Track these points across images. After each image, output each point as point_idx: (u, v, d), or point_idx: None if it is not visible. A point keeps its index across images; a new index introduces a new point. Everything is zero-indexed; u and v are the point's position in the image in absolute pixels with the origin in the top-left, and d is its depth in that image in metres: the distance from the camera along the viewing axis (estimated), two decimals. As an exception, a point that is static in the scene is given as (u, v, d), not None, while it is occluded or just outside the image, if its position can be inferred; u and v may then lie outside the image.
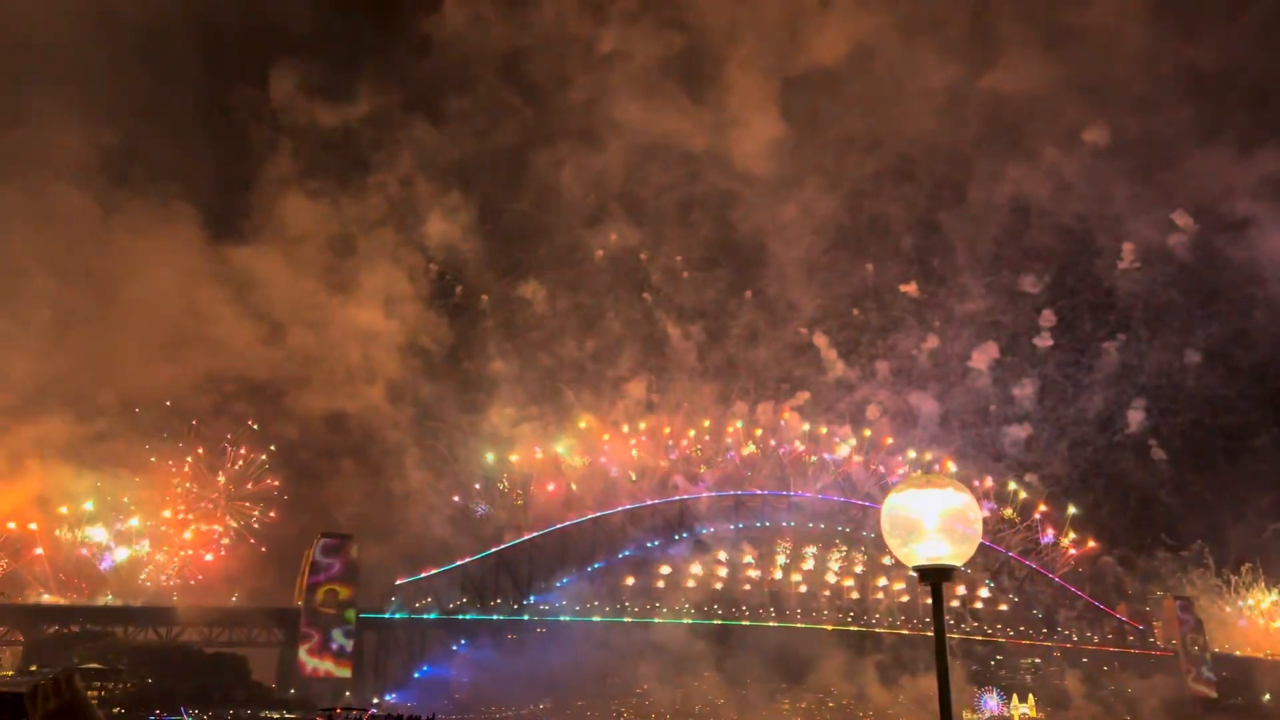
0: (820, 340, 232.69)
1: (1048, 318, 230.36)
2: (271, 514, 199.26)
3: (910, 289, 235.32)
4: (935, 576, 9.29)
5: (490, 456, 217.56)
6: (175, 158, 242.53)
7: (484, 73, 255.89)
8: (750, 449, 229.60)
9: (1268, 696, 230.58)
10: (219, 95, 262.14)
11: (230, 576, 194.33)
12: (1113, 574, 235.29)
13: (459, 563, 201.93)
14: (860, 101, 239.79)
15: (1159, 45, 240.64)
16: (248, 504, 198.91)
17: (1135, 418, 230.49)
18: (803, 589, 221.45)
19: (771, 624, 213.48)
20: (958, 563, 9.28)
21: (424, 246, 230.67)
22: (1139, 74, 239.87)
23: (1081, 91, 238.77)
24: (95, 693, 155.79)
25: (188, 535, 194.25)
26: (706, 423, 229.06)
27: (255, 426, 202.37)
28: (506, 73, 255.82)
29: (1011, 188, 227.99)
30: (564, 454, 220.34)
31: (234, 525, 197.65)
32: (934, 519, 9.41)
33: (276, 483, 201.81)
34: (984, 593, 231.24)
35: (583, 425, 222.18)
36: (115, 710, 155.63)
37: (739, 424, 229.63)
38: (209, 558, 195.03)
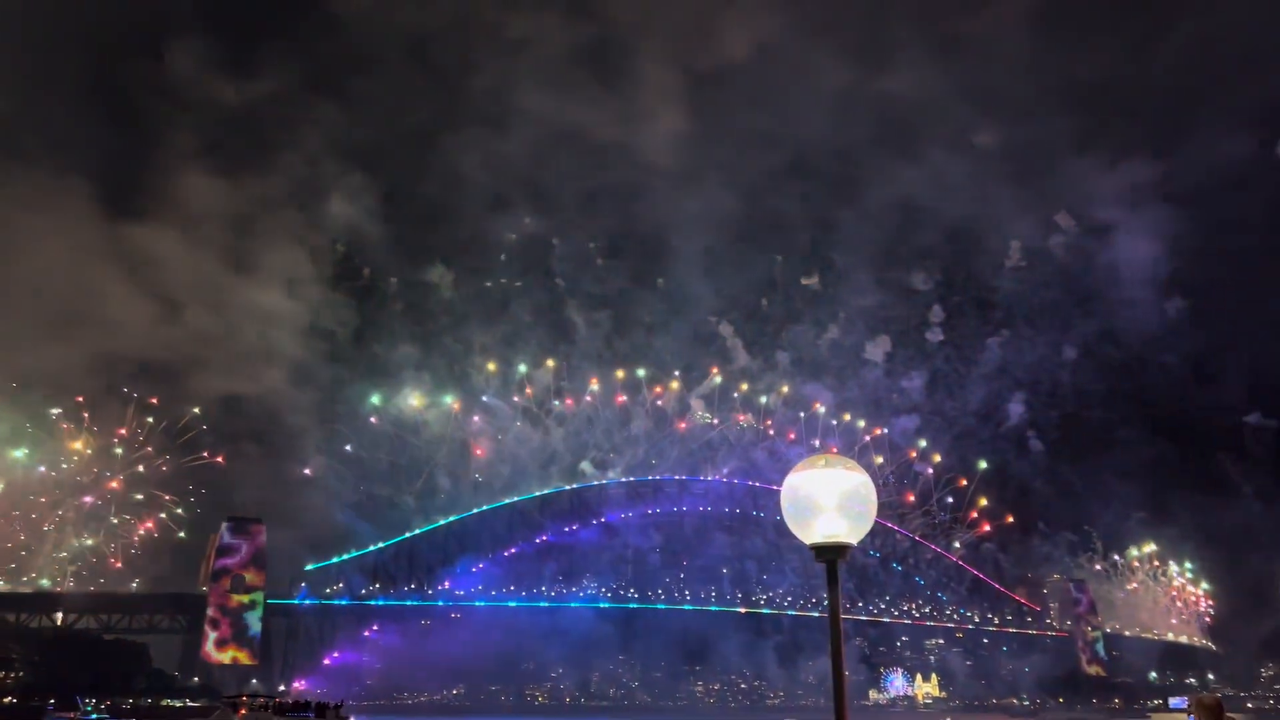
0: (726, 329, 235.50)
1: (937, 313, 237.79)
2: (198, 510, 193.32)
3: (812, 281, 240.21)
4: (831, 554, 9.59)
5: (375, 399, 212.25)
6: (67, 130, 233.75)
7: (391, 55, 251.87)
8: (659, 428, 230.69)
9: (1154, 674, 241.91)
10: (114, 67, 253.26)
11: (128, 561, 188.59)
12: (1001, 558, 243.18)
13: (371, 548, 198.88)
14: (761, 99, 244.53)
15: (1041, 56, 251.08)
16: (168, 496, 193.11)
17: (1015, 410, 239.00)
18: (711, 572, 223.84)
19: (686, 607, 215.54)
20: (853, 540, 9.59)
21: (329, 228, 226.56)
22: (1022, 82, 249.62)
23: (968, 97, 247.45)
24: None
25: (86, 541, 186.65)
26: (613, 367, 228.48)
27: (154, 402, 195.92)
28: (414, 55, 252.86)
29: (902, 188, 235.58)
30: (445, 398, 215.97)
31: (164, 514, 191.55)
32: (832, 498, 9.70)
33: (220, 459, 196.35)
34: (884, 574, 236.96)
35: (491, 368, 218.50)
36: (7, 700, 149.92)
37: (646, 404, 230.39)
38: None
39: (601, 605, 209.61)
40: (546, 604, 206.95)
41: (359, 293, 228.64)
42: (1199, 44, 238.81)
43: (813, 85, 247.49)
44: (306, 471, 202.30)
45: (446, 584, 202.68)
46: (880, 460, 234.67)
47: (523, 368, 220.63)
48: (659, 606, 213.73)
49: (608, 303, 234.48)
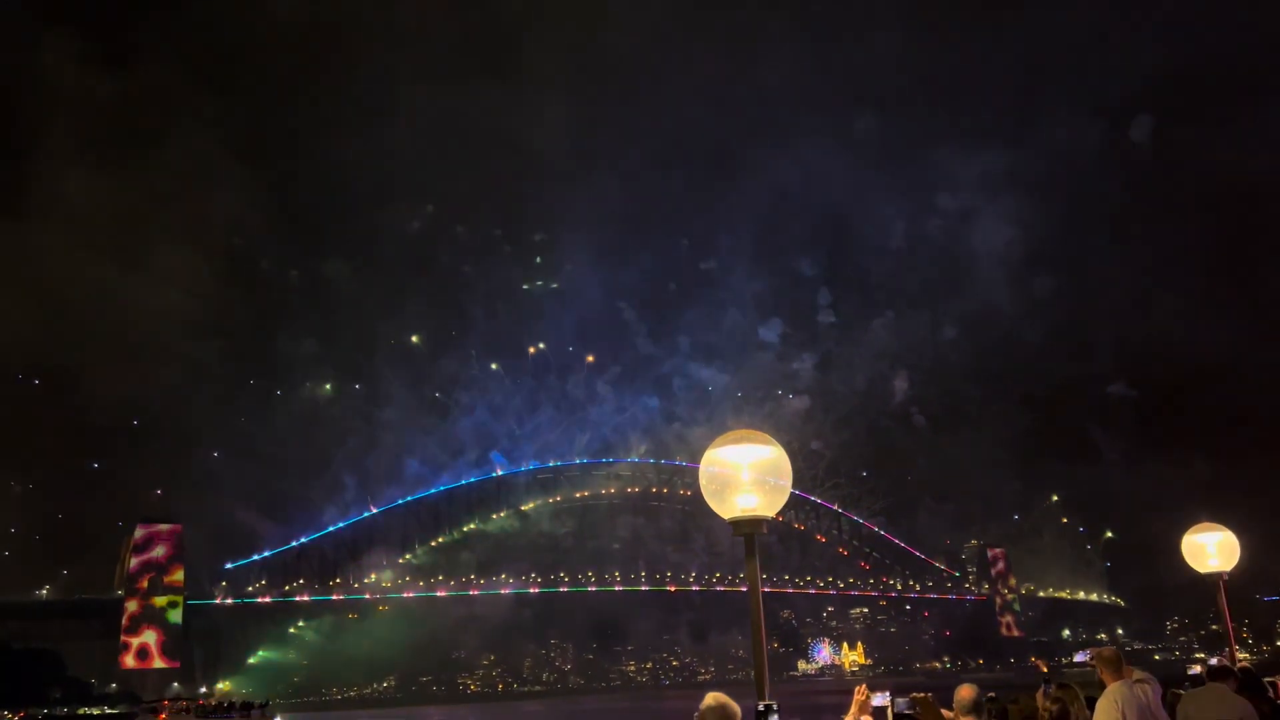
0: (629, 315, 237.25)
1: (824, 296, 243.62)
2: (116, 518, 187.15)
3: (710, 266, 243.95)
4: (748, 527, 9.75)
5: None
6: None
7: (272, 46, 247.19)
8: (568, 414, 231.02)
9: (1066, 632, 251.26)
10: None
11: (37, 567, 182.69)
12: (917, 525, 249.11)
13: (292, 544, 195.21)
14: (644, 88, 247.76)
15: (908, 48, 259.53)
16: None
17: (900, 388, 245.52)
18: (636, 552, 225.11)
19: (616, 588, 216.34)
20: (769, 513, 9.77)
21: (219, 223, 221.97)
22: (891, 73, 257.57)
23: (841, 87, 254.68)
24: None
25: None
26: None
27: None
28: (296, 46, 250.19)
29: (780, 175, 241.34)
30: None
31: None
32: (748, 472, 9.86)
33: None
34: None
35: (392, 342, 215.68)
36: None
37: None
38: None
39: (531, 591, 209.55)
40: (477, 593, 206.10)
41: (255, 288, 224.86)
42: (1043, 35, 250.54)
43: (693, 75, 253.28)
44: (209, 470, 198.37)
45: (372, 576, 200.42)
46: (819, 445, 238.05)
47: (415, 338, 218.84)
48: (588, 590, 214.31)
49: (507, 292, 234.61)
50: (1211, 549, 18.75)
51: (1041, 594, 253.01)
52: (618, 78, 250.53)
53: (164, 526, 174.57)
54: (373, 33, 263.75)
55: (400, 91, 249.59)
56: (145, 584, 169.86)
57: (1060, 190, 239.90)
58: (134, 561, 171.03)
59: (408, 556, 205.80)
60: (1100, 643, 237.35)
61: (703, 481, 10.31)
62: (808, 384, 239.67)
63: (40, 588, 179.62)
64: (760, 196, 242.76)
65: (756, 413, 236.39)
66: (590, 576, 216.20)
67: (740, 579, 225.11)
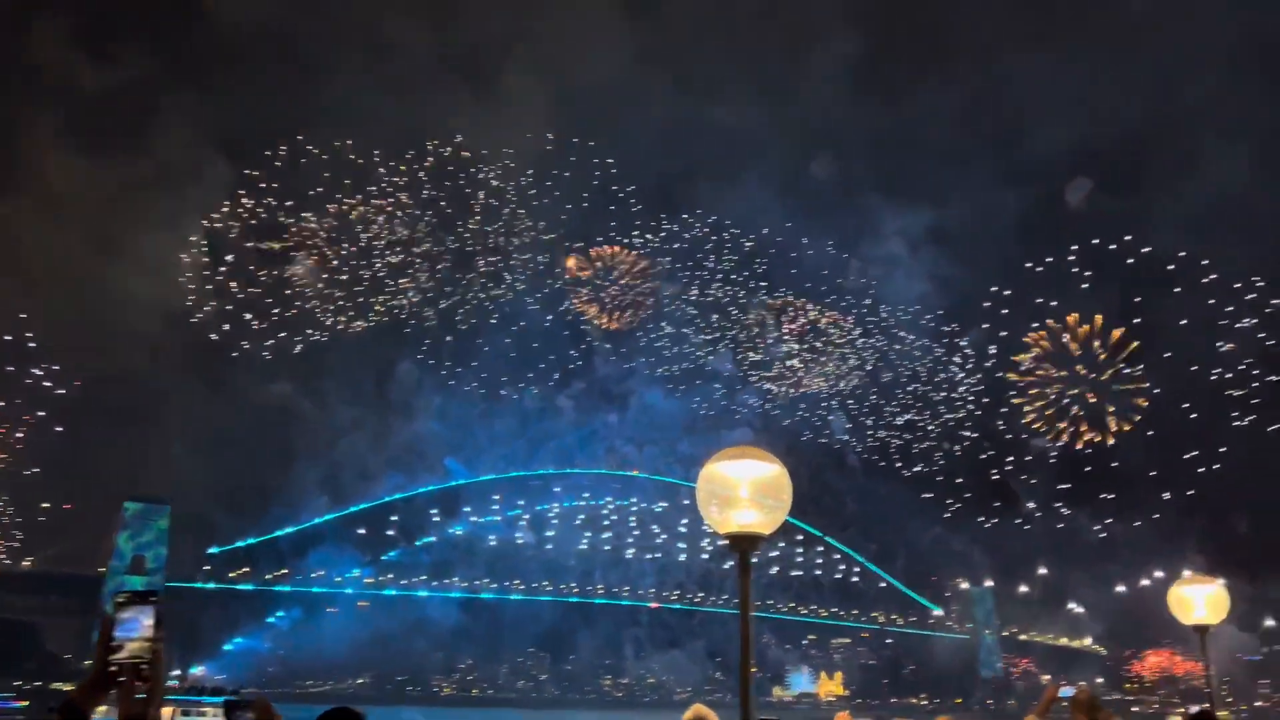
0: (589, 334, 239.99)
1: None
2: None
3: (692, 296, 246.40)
4: (744, 544, 9.74)
5: None
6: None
7: (255, 49, 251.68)
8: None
9: (1047, 677, 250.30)
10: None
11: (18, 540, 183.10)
12: (901, 560, 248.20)
13: (276, 534, 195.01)
14: (611, 122, 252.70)
15: (850, 105, 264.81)
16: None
17: (837, 426, 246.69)
18: (636, 565, 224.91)
19: (597, 600, 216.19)
20: (766, 531, 9.76)
21: (197, 215, 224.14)
22: (834, 127, 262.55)
23: (786, 136, 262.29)
24: None
25: None
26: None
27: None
28: (279, 52, 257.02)
29: (725, 210, 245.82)
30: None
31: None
32: (747, 489, 9.85)
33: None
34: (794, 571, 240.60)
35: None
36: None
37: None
38: None
39: (513, 598, 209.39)
40: (458, 595, 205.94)
41: (226, 282, 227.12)
42: (976, 98, 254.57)
43: (650, 113, 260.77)
44: (183, 457, 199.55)
45: (355, 572, 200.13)
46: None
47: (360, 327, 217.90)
48: (570, 599, 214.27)
49: (466, 306, 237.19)
50: (1200, 602, 18.80)
51: (1023, 636, 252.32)
52: (584, 110, 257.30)
53: (152, 506, 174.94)
54: (354, 43, 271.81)
55: (380, 102, 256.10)
56: (128, 562, 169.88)
57: (980, 250, 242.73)
58: (118, 539, 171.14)
59: (387, 554, 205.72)
60: (1079, 687, 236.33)
61: (699, 494, 10.28)
62: (749, 416, 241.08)
63: (24, 559, 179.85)
64: (700, 230, 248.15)
65: (708, 438, 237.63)
66: (573, 586, 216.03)
67: (721, 599, 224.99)
